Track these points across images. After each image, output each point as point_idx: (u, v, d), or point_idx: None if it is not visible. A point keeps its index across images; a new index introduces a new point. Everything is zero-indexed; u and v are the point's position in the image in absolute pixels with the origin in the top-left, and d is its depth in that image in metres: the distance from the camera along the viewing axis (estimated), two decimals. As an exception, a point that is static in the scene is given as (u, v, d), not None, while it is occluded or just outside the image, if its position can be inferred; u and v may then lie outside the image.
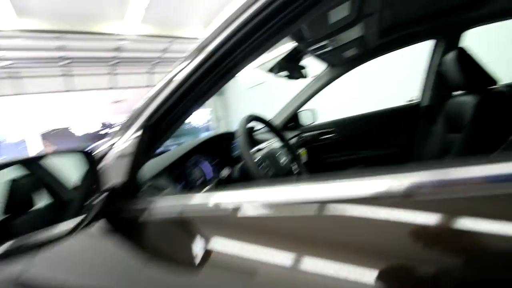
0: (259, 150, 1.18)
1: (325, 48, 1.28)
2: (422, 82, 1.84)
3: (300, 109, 2.08)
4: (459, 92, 1.45)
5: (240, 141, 0.86)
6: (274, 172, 1.06)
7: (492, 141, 1.18)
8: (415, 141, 1.87)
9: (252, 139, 1.40)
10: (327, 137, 2.15)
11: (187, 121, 0.72)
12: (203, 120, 9.62)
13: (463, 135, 1.23)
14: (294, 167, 1.21)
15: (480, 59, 1.25)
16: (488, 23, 1.53)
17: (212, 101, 8.57)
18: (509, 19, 1.49)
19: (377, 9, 1.07)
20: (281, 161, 1.16)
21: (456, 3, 1.34)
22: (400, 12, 1.35)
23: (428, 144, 1.65)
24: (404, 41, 1.68)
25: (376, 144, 2.05)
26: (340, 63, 1.81)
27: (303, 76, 1.49)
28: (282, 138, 1.24)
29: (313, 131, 2.18)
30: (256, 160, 0.98)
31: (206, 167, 1.20)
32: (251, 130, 1.49)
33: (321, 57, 1.54)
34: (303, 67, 1.47)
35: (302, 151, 1.96)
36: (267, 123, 1.21)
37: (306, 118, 2.19)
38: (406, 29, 1.52)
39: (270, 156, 1.11)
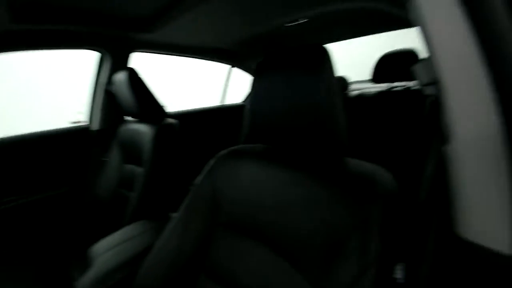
0: None
1: None
2: (89, 102, 1.50)
3: None
4: (132, 118, 1.31)
5: None
6: None
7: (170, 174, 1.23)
8: (90, 173, 1.48)
9: None
10: None
11: None
12: None
13: (145, 169, 1.07)
14: None
15: (155, 87, 1.18)
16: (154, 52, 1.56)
17: None
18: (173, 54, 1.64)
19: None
20: None
21: (121, 18, 1.16)
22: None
23: (105, 176, 1.33)
24: (59, 40, 1.21)
25: (35, 184, 1.34)
26: None
27: None
28: None
29: None
30: None
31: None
32: None
33: None
34: None
35: None
36: None
37: None
38: (56, 24, 1.08)
39: None
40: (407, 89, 1.42)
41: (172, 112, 1.68)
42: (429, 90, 0.31)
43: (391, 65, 1.40)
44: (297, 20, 1.35)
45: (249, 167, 0.62)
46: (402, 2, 1.09)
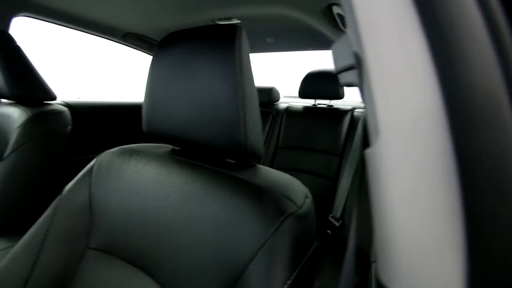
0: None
1: None
2: None
3: None
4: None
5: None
6: None
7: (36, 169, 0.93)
8: None
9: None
10: None
11: None
12: None
13: (5, 165, 0.78)
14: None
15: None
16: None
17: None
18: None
19: None
20: None
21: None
22: None
23: None
24: None
25: None
26: None
27: None
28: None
29: None
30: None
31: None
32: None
33: None
34: None
35: None
36: None
37: None
38: None
39: None
40: (330, 106, 1.51)
41: (70, 101, 1.34)
42: (346, 78, 0.24)
43: (314, 84, 1.46)
44: (229, 19, 1.27)
45: (141, 173, 0.48)
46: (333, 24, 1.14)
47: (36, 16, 1.17)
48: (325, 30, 1.18)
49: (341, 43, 0.24)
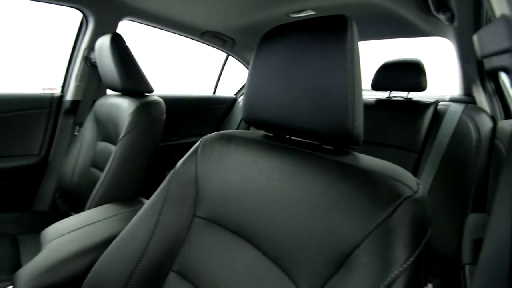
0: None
1: None
2: (66, 69, 1.34)
3: None
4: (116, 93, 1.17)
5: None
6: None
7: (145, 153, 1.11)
8: (56, 148, 1.32)
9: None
10: None
11: None
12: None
13: (119, 147, 0.94)
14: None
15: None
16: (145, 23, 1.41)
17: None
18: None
19: None
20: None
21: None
22: None
23: (75, 154, 1.18)
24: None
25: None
26: None
27: None
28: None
29: None
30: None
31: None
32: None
33: None
34: None
35: None
36: None
37: None
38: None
39: None
40: (407, 99, 1.38)
41: (157, 94, 1.55)
42: (496, 62, 0.23)
43: (391, 74, 1.35)
44: (303, 11, 1.27)
45: (239, 155, 0.53)
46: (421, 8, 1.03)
47: (136, 20, 1.37)
48: (412, 16, 1.09)
49: (492, 27, 0.23)
